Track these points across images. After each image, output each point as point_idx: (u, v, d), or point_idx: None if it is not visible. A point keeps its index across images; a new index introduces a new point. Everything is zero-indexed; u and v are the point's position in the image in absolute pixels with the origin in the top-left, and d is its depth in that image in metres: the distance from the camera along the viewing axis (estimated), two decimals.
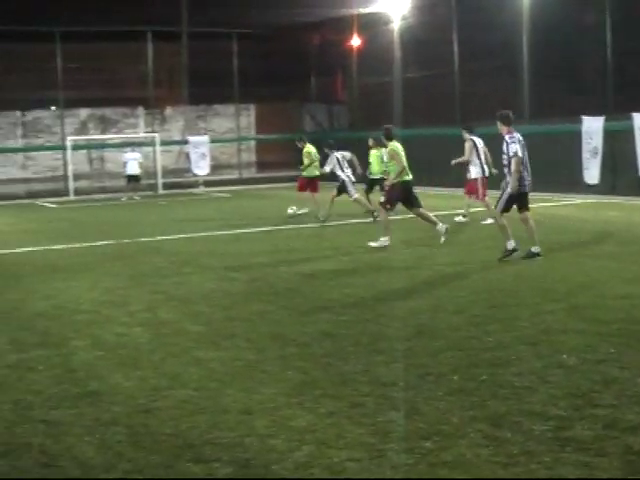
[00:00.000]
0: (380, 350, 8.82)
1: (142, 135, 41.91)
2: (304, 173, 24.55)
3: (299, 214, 23.40)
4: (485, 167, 20.61)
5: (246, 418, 6.85)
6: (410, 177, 17.22)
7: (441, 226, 17.10)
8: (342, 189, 22.84)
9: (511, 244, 14.66)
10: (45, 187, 40.45)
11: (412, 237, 18.20)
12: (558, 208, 24.40)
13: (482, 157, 20.57)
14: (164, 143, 41.78)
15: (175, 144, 43.06)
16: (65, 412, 7.22)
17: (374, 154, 23.75)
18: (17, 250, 19.23)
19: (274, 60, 43.11)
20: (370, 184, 24.11)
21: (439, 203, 24.48)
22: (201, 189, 41.54)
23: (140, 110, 43.02)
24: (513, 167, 14.53)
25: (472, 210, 21.30)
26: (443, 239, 16.97)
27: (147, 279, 14.21)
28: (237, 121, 44.91)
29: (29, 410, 7.33)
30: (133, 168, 36.51)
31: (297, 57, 44.81)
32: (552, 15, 28.92)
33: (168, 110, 43.78)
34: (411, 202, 17.37)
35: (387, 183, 17.57)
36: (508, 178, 14.78)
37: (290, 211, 23.52)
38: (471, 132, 20.74)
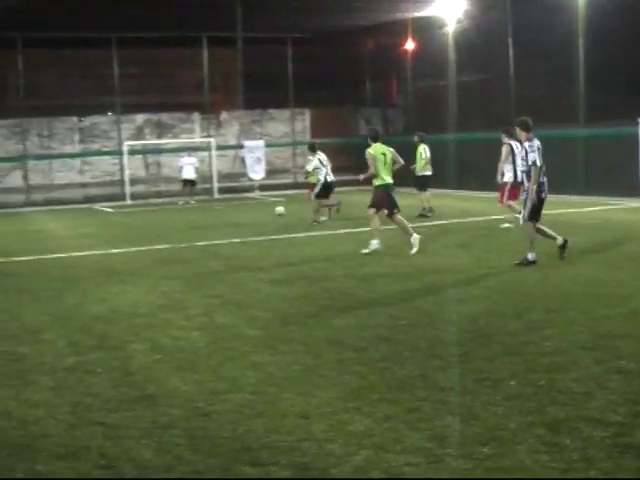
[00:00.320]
0: (437, 355, 8.79)
1: (198, 140, 42.13)
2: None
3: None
4: (518, 174, 20.45)
5: (304, 422, 6.85)
6: (387, 180, 17.38)
7: (414, 237, 16.99)
8: (324, 189, 24.46)
9: (532, 256, 14.66)
10: (102, 192, 40.83)
11: (468, 240, 18.13)
12: (614, 212, 24.15)
13: (518, 162, 20.45)
14: (220, 148, 41.97)
15: (230, 149, 43.22)
16: (123, 415, 7.28)
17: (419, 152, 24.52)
18: (75, 254, 19.43)
19: (329, 64, 43.13)
20: (419, 182, 24.69)
21: (491, 207, 24.30)
22: (256, 193, 41.65)
23: (196, 115, 43.23)
24: (532, 177, 14.57)
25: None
26: (415, 250, 16.79)
27: (204, 283, 14.29)
28: (292, 125, 44.99)
29: (88, 412, 7.39)
30: (189, 173, 36.70)
31: (352, 61, 44.82)
32: (608, 16, 28.61)
33: (223, 115, 43.94)
34: (391, 205, 17.47)
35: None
36: (526, 185, 14.85)
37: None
38: (511, 136, 20.52)
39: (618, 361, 8.25)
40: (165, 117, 42.90)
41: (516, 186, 20.14)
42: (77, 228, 27.00)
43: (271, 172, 43.25)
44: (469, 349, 8.98)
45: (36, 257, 19.20)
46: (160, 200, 38.92)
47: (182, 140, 41.91)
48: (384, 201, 17.46)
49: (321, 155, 25.12)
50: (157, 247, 19.93)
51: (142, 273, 15.85)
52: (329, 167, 25.25)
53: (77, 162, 41.38)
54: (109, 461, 6.23)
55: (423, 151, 25.24)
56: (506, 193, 20.55)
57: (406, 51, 41.43)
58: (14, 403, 7.77)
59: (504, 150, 20.79)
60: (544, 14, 30.86)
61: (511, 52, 34.33)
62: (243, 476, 5.89)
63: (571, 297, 11.77)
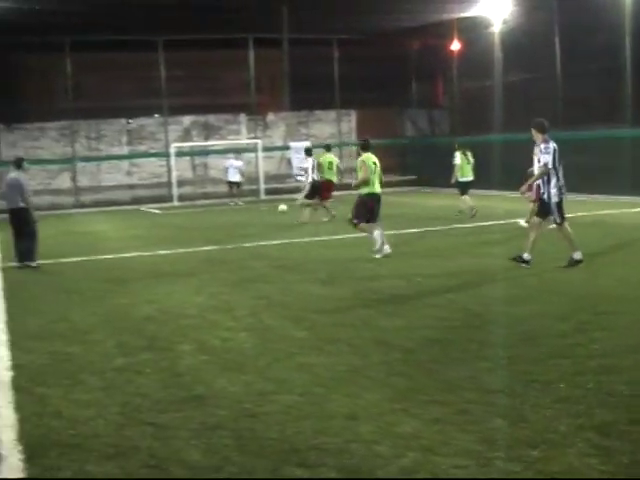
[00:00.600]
0: (485, 357, 8.74)
1: (244, 141, 42.24)
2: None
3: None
4: None
5: (351, 424, 6.84)
6: (373, 190, 17.59)
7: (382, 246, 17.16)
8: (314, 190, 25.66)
9: (577, 254, 14.54)
10: (149, 193, 41.10)
11: (512, 241, 18.02)
12: None
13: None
14: (266, 149, 42.08)
15: (277, 150, 43.31)
16: (172, 415, 7.31)
17: (461, 157, 24.64)
18: (123, 255, 19.56)
19: (375, 65, 43.12)
20: (462, 187, 24.87)
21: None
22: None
23: (242, 116, 43.36)
24: (536, 174, 14.83)
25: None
26: (379, 255, 17.00)
27: (251, 284, 14.32)
28: (338, 126, 45.02)
29: (137, 413, 7.43)
30: (234, 175, 36.74)
31: (398, 62, 44.81)
32: None
33: (270, 116, 44.05)
34: (375, 215, 17.69)
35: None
36: (542, 187, 14.82)
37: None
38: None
39: None
40: (212, 119, 43.08)
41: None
42: (125, 229, 27.20)
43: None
44: (517, 351, 8.93)
45: (85, 258, 19.36)
46: (207, 201, 39.09)
47: (229, 142, 42.06)
48: (367, 209, 17.58)
49: (312, 161, 26.67)
50: (204, 248, 20.01)
51: (189, 274, 15.93)
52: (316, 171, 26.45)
53: (125, 164, 41.69)
54: (158, 461, 6.26)
55: (463, 157, 25.17)
56: (535, 192, 20.56)
57: (452, 52, 41.32)
58: (64, 403, 7.83)
59: (536, 151, 20.71)
60: (590, 13, 30.64)
61: (557, 52, 34.09)
62: (291, 477, 5.89)
63: (619, 299, 11.66)
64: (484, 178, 27.66)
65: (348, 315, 11.30)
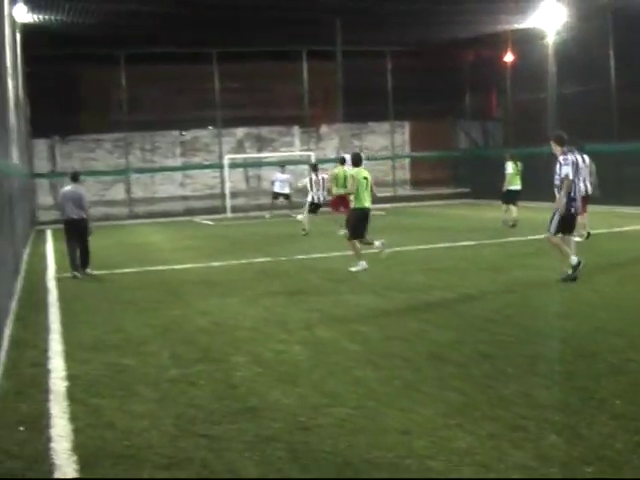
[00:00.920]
0: (540, 372, 8.68)
1: (297, 153, 42.36)
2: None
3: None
4: (582, 186, 20.58)
5: (405, 438, 6.82)
6: (362, 204, 17.58)
7: (363, 262, 17.54)
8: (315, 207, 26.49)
9: (574, 259, 14.63)
10: (203, 205, 41.36)
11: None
12: None
13: (581, 176, 20.59)
14: (319, 161, 42.10)
15: (330, 162, 43.34)
16: (226, 427, 7.33)
17: (512, 167, 25.07)
18: (177, 266, 19.69)
19: (428, 77, 43.03)
20: (510, 196, 25.21)
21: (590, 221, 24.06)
22: None
23: (295, 129, 43.50)
24: (563, 190, 14.58)
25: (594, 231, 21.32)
26: (354, 269, 17.38)
27: (304, 297, 14.35)
28: (391, 138, 45.01)
29: (191, 425, 7.46)
30: (282, 187, 36.55)
31: (451, 74, 44.66)
32: None
33: (323, 128, 44.14)
34: (363, 229, 17.83)
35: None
36: (557, 197, 14.82)
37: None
38: (580, 150, 20.77)
39: None
40: (265, 131, 43.28)
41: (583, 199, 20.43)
42: (178, 241, 27.37)
43: None
44: (572, 367, 8.86)
45: (139, 269, 19.52)
46: (260, 213, 39.16)
47: (282, 154, 42.20)
48: (354, 224, 17.74)
49: (317, 176, 27.28)
50: (257, 260, 20.09)
51: (243, 286, 15.99)
52: (321, 189, 27.29)
53: (178, 175, 41.99)
54: (211, 473, 6.29)
55: (514, 167, 25.40)
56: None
57: (506, 63, 41.14)
58: (118, 414, 7.88)
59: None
60: None
61: (612, 63, 33.78)
62: None
63: None
64: (535, 189, 27.43)
65: (401, 328, 11.29)
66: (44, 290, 16.92)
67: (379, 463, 6.31)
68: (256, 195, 42.33)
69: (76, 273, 18.43)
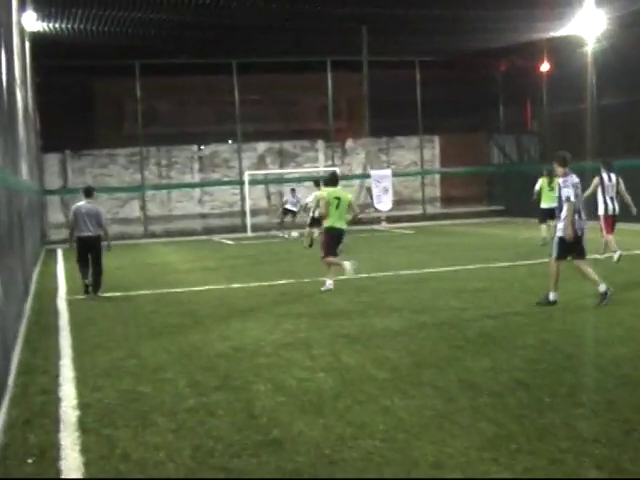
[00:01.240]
0: (580, 402, 8.60)
1: (322, 169, 42.35)
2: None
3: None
4: (609, 205, 21.48)
5: (437, 473, 6.76)
6: (334, 224, 18.38)
7: (348, 266, 18.21)
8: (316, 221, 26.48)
9: (553, 296, 14.89)
10: (222, 223, 41.45)
11: (605, 276, 17.80)
12: None
13: (607, 195, 21.39)
14: (344, 177, 42.10)
15: (356, 178, 43.37)
16: (246, 460, 7.27)
17: (542, 184, 25.47)
18: (195, 288, 19.69)
19: (459, 88, 43.00)
20: (542, 214, 25.51)
21: (631, 241, 23.98)
22: (383, 225, 41.65)
23: (320, 143, 43.54)
24: (564, 213, 14.69)
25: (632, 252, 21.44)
26: (347, 275, 18.30)
27: (329, 321, 14.30)
28: (421, 153, 44.96)
29: (210, 457, 7.41)
30: (293, 206, 36.35)
31: (484, 85, 44.64)
32: None
33: (349, 143, 44.17)
34: (336, 247, 18.63)
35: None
36: (559, 222, 14.91)
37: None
38: (608, 168, 21.68)
39: None
40: (287, 145, 43.35)
41: (607, 218, 21.52)
42: (196, 261, 27.41)
43: (398, 203, 43.27)
44: (615, 396, 8.77)
45: (154, 291, 19.54)
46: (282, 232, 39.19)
47: (305, 169, 42.24)
48: (326, 243, 18.64)
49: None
50: (280, 282, 20.08)
51: (265, 309, 15.98)
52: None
53: (197, 192, 42.10)
54: None
55: (545, 184, 25.76)
56: (604, 226, 21.53)
57: (542, 73, 41.09)
58: (133, 445, 7.85)
59: (594, 182, 21.76)
60: None
61: None
62: None
63: None
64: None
65: (432, 355, 11.22)
66: (55, 312, 16.95)
67: None
68: (278, 213, 42.36)
69: (92, 294, 18.63)
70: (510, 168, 45.45)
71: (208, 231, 40.80)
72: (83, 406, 9.31)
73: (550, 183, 25.44)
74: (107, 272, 19.19)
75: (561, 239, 14.77)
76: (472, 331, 12.84)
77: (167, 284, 20.66)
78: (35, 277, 23.44)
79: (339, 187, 18.92)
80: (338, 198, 18.33)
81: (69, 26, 31.63)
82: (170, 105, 44.84)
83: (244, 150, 42.26)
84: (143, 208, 41.03)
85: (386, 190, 41.68)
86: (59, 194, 39.92)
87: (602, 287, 14.62)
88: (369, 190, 42.37)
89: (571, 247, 14.82)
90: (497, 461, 6.96)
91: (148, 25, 32.03)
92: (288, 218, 36.66)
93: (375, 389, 9.48)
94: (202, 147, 42.38)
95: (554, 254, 14.94)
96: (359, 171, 43.59)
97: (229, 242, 36.06)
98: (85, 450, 7.76)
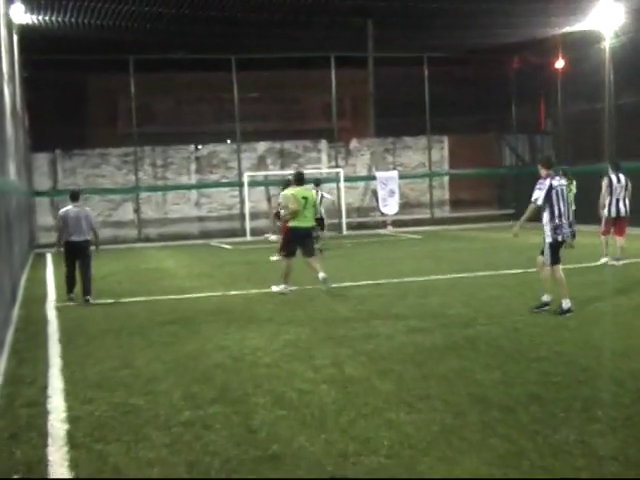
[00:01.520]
0: (596, 417, 8.57)
1: (325, 170, 42.35)
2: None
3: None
4: (613, 208, 21.73)
5: None
6: (301, 224, 19.23)
7: (322, 275, 19.09)
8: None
9: (548, 298, 15.27)
10: (220, 226, 41.47)
11: (629, 285, 17.78)
12: None
13: (615, 197, 21.69)
14: (349, 179, 42.14)
15: (361, 180, 43.36)
16: (245, 477, 7.26)
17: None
18: (191, 295, 19.69)
19: (469, 86, 43.04)
20: None
21: None
22: (389, 229, 41.66)
23: (323, 143, 43.53)
24: (525, 215, 15.28)
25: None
26: (324, 288, 19.04)
27: (332, 330, 14.26)
28: (429, 154, 44.92)
29: (206, 473, 7.40)
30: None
31: (495, 83, 44.65)
32: None
33: (353, 143, 44.17)
34: (303, 249, 19.50)
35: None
36: (545, 226, 15.17)
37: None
38: (616, 169, 21.98)
39: None
40: (289, 145, 43.33)
41: (609, 220, 21.86)
42: (193, 266, 27.40)
43: (405, 206, 43.27)
44: (633, 412, 8.75)
45: (149, 298, 19.53)
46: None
47: (308, 171, 42.21)
48: (289, 242, 19.43)
49: (317, 193, 28.10)
50: (277, 289, 20.05)
51: (264, 317, 15.96)
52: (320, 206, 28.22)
53: (193, 194, 42.13)
54: None
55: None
56: (604, 228, 22.06)
57: (556, 71, 41.10)
58: (125, 460, 7.83)
59: (604, 183, 21.98)
60: None
61: None
62: None
63: None
64: (589, 212, 27.22)
65: (440, 366, 11.19)
66: (43, 320, 16.93)
67: None
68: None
69: (83, 298, 18.66)
70: (522, 170, 45.40)
71: (205, 235, 40.80)
72: (72, 419, 9.28)
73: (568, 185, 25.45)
74: (99, 278, 19.23)
75: (551, 244, 15.01)
76: (482, 341, 12.81)
77: (162, 291, 20.64)
78: (23, 283, 23.45)
79: (305, 186, 19.73)
80: (305, 198, 19.09)
81: (59, 19, 31.66)
82: (166, 103, 44.92)
83: (243, 150, 42.25)
84: (137, 211, 41.04)
85: (392, 193, 41.70)
86: (49, 196, 39.94)
87: (565, 302, 14.94)
88: (374, 193, 42.40)
89: (558, 248, 15.14)
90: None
91: (143, 18, 32.08)
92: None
93: (380, 402, 9.46)
94: (199, 147, 42.40)
95: (548, 261, 15.12)
96: (364, 173, 43.61)
97: (227, 247, 36.06)
98: (74, 466, 7.73)
